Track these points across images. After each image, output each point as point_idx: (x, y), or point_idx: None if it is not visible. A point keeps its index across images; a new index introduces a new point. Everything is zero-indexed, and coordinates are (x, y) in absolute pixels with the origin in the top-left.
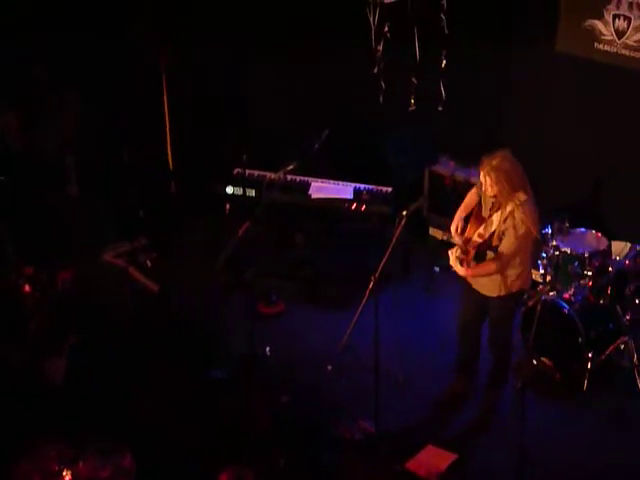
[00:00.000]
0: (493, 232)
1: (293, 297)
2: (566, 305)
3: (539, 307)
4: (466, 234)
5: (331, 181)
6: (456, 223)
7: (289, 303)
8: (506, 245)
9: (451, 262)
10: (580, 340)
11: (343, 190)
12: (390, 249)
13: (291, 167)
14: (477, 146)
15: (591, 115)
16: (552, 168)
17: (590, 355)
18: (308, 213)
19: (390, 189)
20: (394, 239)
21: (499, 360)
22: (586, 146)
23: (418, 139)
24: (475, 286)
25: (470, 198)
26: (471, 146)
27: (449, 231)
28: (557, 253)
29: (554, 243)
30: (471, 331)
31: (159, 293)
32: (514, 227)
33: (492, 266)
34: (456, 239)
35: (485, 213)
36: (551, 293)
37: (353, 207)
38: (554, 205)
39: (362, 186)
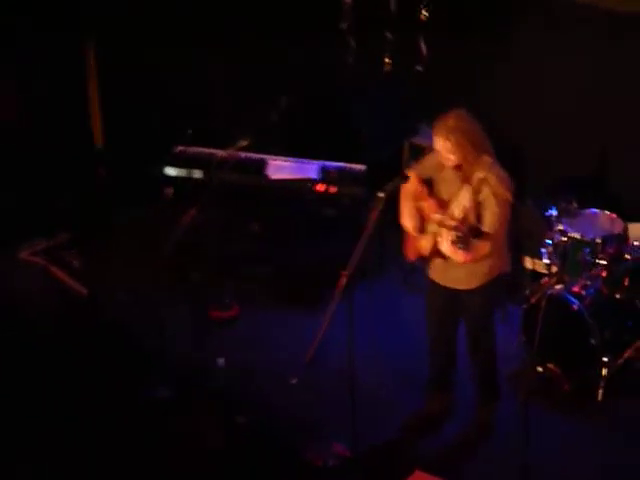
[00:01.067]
0: (466, 209)
1: (250, 298)
2: (576, 300)
3: (544, 304)
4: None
5: (293, 159)
6: (411, 214)
7: (245, 305)
8: (491, 218)
9: (444, 250)
10: (593, 342)
11: (307, 169)
12: (365, 238)
13: (245, 143)
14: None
15: (601, 76)
16: (555, 139)
17: (605, 359)
18: (266, 197)
19: (363, 167)
20: (369, 226)
21: (486, 370)
22: (596, 113)
23: (395, 106)
24: (444, 282)
25: (409, 187)
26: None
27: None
28: (564, 239)
29: (560, 227)
30: (445, 338)
31: (88, 297)
32: (494, 195)
33: (486, 246)
34: (446, 221)
35: (445, 193)
36: (558, 286)
37: (319, 189)
38: (559, 181)
39: (330, 164)
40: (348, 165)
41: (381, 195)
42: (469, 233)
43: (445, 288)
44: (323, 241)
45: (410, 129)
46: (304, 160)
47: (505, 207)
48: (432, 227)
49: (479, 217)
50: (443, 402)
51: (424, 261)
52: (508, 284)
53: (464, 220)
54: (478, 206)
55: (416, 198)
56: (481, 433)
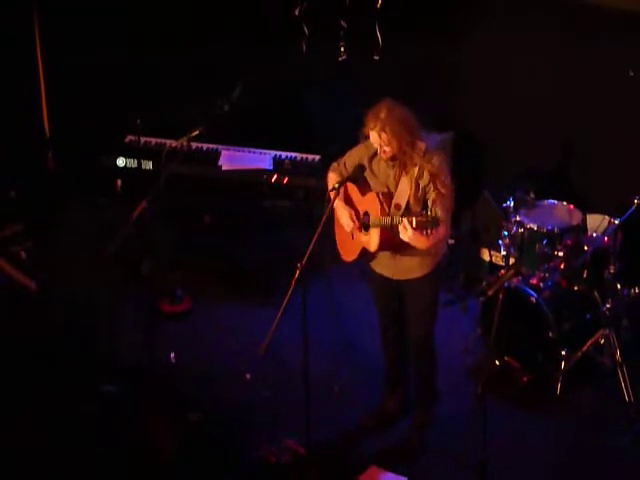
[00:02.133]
0: (409, 198)
1: (202, 292)
2: (533, 293)
3: (501, 296)
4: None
5: (245, 149)
6: (348, 213)
7: (197, 299)
8: (439, 202)
9: (406, 236)
10: (551, 335)
11: (260, 159)
12: (320, 229)
13: (196, 133)
14: (425, 101)
15: (560, 66)
16: (513, 129)
17: (564, 352)
18: (218, 188)
19: (317, 157)
20: (324, 217)
21: (428, 369)
22: (555, 104)
23: (351, 95)
24: (395, 274)
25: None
26: (417, 100)
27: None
28: (521, 230)
29: (517, 218)
30: (398, 331)
31: (36, 290)
32: (437, 178)
33: (442, 229)
34: (384, 218)
35: (380, 186)
36: (515, 279)
37: (273, 180)
38: (516, 172)
39: (283, 154)
40: (302, 155)
41: (336, 186)
42: (432, 215)
43: (393, 281)
44: (277, 233)
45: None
46: (257, 150)
47: (449, 189)
48: (376, 221)
49: (422, 203)
50: (399, 398)
51: (367, 258)
52: (466, 277)
53: (408, 209)
54: (421, 193)
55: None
56: (420, 436)
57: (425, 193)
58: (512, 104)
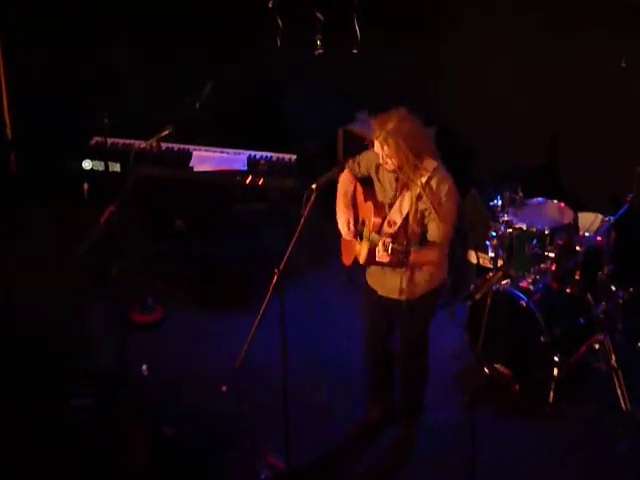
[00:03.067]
0: (407, 217)
1: (174, 300)
2: (524, 296)
3: (489, 300)
4: (370, 226)
5: (218, 149)
6: (346, 218)
7: (170, 308)
8: (437, 229)
9: (381, 257)
10: (543, 340)
11: (234, 160)
12: (298, 233)
13: (166, 133)
14: (403, 98)
15: (549, 61)
16: (499, 123)
17: (556, 358)
18: (190, 191)
19: (294, 157)
20: (302, 221)
21: (415, 387)
22: (543, 99)
23: (328, 91)
24: (382, 290)
25: (344, 184)
26: (396, 98)
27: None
28: (510, 230)
29: (505, 218)
30: (380, 343)
31: None
32: (439, 201)
33: (432, 254)
34: (385, 228)
35: (384, 197)
36: (504, 282)
37: (247, 181)
38: (503, 170)
39: (258, 154)
40: (278, 155)
41: (314, 187)
42: (408, 245)
43: (382, 298)
44: (253, 237)
45: (345, 116)
46: (231, 150)
47: (451, 216)
48: (367, 233)
49: (421, 225)
50: (383, 409)
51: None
52: (453, 280)
53: (404, 228)
54: (420, 214)
55: (348, 198)
56: (403, 451)
57: (424, 216)
58: (499, 98)
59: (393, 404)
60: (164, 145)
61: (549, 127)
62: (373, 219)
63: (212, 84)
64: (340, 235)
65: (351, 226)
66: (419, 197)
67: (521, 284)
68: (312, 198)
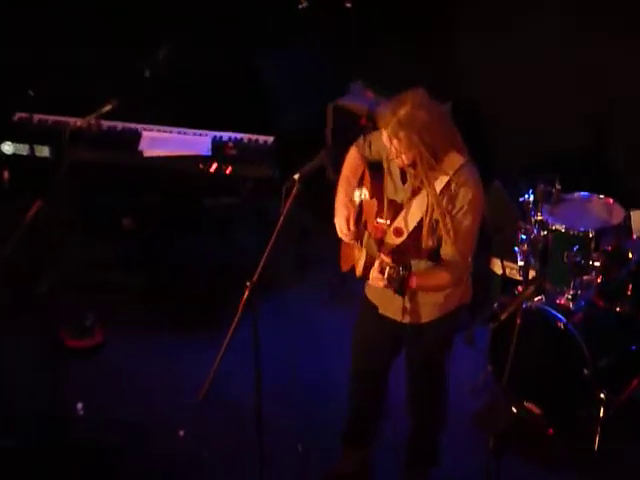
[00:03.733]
0: (419, 225)
1: (120, 319)
2: (562, 316)
3: (518, 321)
4: (371, 231)
5: (175, 129)
6: (346, 214)
7: (113, 329)
8: (458, 241)
9: (373, 280)
10: (585, 372)
11: (195, 143)
12: (275, 236)
13: (109, 108)
14: (409, 66)
15: (592, 22)
16: (533, 96)
17: (603, 395)
18: (140, 182)
19: (271, 138)
20: (281, 220)
21: (430, 430)
22: (585, 69)
23: (315, 57)
24: (385, 310)
25: (350, 167)
26: (400, 66)
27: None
28: (544, 233)
29: (539, 217)
30: (375, 379)
31: None
32: (461, 209)
33: (443, 279)
34: (369, 245)
35: (394, 194)
36: (537, 298)
37: (212, 169)
38: (536, 156)
39: (226, 135)
40: (251, 136)
41: (296, 177)
42: (404, 271)
43: (385, 319)
44: (219, 241)
45: (336, 88)
46: (191, 130)
47: (473, 231)
48: (366, 239)
49: (434, 236)
50: (358, 462)
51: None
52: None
53: (414, 241)
54: (436, 224)
55: (353, 187)
56: None
57: (440, 226)
58: (531, 65)
59: (369, 459)
60: (106, 123)
61: (596, 101)
62: (376, 222)
63: (167, 49)
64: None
65: (351, 225)
66: (439, 201)
67: (558, 301)
68: (294, 191)
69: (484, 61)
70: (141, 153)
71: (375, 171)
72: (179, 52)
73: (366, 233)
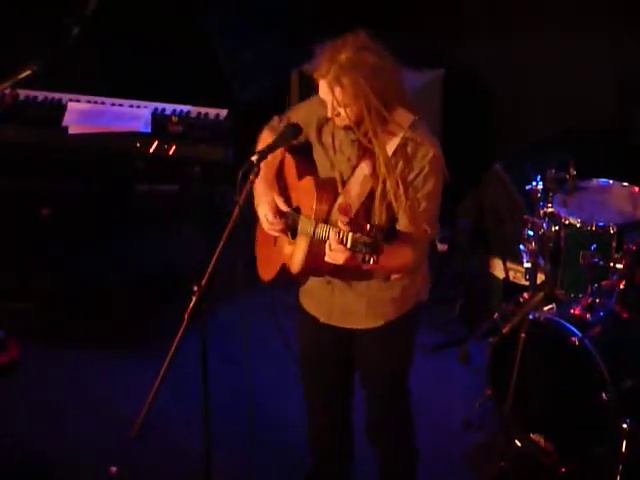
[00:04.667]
0: (369, 197)
1: (37, 332)
2: (576, 329)
3: (523, 335)
4: (309, 213)
5: (107, 99)
6: (269, 200)
7: (29, 344)
8: (419, 210)
9: (333, 258)
10: (604, 397)
11: (131, 116)
12: (229, 231)
13: (27, 74)
14: (392, 27)
15: None
16: (540, 62)
17: (625, 425)
18: (63, 164)
19: (224, 112)
20: (236, 211)
21: (404, 449)
22: (602, 28)
23: (277, 14)
24: (329, 318)
25: (269, 160)
26: (381, 21)
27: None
28: (556, 229)
29: (550, 209)
30: (336, 402)
31: None
32: (421, 170)
33: (406, 254)
34: (340, 214)
35: (330, 169)
36: (547, 307)
37: (152, 149)
38: (546, 135)
39: (169, 107)
40: (199, 109)
41: (254, 159)
42: (377, 234)
43: (332, 328)
44: (158, 235)
45: (301, 50)
46: (126, 101)
47: (435, 197)
48: (305, 225)
49: (389, 209)
50: None
51: (290, 280)
52: (466, 304)
53: (365, 215)
54: (393, 194)
55: (272, 175)
56: None
57: (395, 199)
58: (540, 30)
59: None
60: (23, 93)
61: (616, 69)
62: (315, 203)
63: (96, 2)
64: (256, 236)
65: (281, 205)
66: (391, 166)
67: (573, 311)
68: (252, 176)
69: (486, 18)
70: (65, 129)
71: (298, 152)
72: (113, 4)
73: (302, 218)
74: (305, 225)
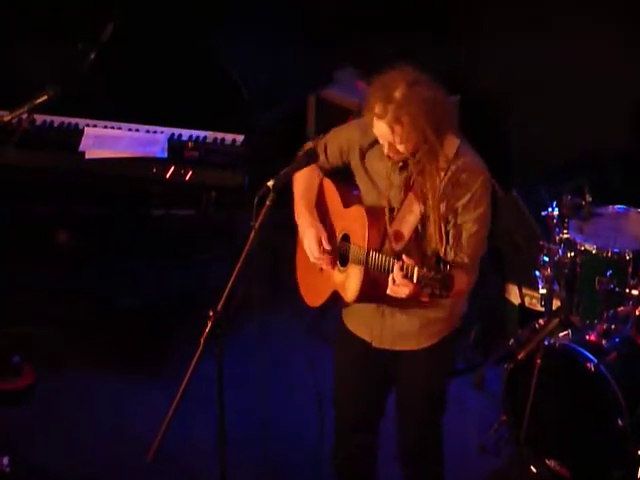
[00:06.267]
0: (417, 227)
1: (54, 357)
2: (592, 356)
3: (539, 361)
4: (360, 243)
5: (124, 124)
6: (315, 231)
7: (45, 369)
8: (469, 240)
9: (397, 292)
10: (620, 423)
11: (148, 142)
12: (245, 255)
13: (44, 99)
14: (406, 50)
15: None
16: (558, 89)
17: None
18: (80, 189)
19: (241, 137)
20: (252, 236)
21: (433, 471)
22: (622, 54)
23: (295, 39)
24: (370, 335)
25: (305, 180)
26: (402, 45)
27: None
28: (572, 255)
29: (565, 235)
30: (365, 426)
31: None
32: (472, 196)
33: (463, 282)
34: (371, 254)
35: (377, 197)
36: (563, 333)
37: (169, 175)
38: (562, 161)
39: (185, 133)
40: (216, 135)
41: (271, 185)
42: (445, 269)
43: (376, 350)
44: (174, 259)
45: (320, 75)
46: (143, 127)
47: (486, 221)
48: (358, 254)
49: (441, 236)
50: None
51: (341, 304)
52: (482, 330)
53: (417, 243)
54: (444, 220)
55: (313, 202)
56: None
57: (447, 218)
58: (556, 50)
59: None
60: (40, 118)
61: (634, 98)
62: (367, 232)
63: (113, 26)
64: (298, 261)
65: (325, 244)
66: (449, 188)
67: (589, 337)
68: (268, 202)
69: (503, 44)
70: (82, 154)
71: (340, 179)
72: (129, 30)
73: (352, 246)
74: (357, 254)
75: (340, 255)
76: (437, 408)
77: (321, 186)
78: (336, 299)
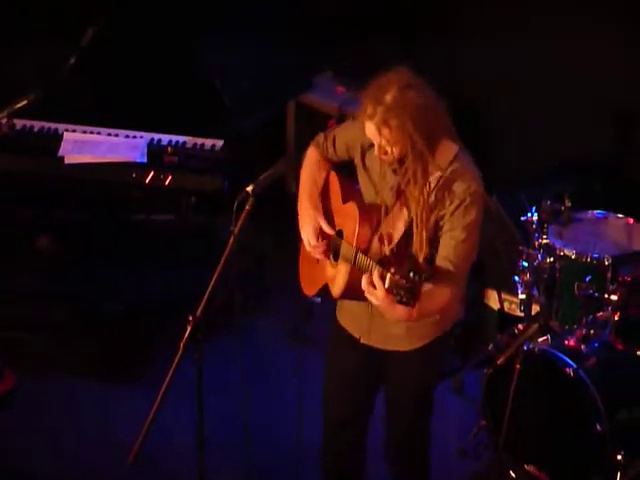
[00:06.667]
0: (407, 230)
1: (34, 362)
2: (571, 361)
3: (518, 366)
4: (351, 240)
5: (103, 129)
6: (314, 223)
7: (25, 373)
8: (457, 248)
9: (370, 293)
10: (599, 428)
11: (127, 147)
12: (224, 260)
13: (23, 103)
14: (390, 55)
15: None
16: (539, 95)
17: (620, 457)
18: (59, 194)
19: (220, 142)
20: (231, 241)
21: (418, 467)
22: (601, 59)
23: (274, 43)
24: (368, 339)
25: (311, 169)
26: (380, 56)
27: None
28: (551, 260)
29: (545, 241)
30: (354, 428)
31: None
32: (461, 203)
33: (446, 292)
34: (357, 254)
35: (374, 195)
36: (542, 338)
37: (148, 180)
38: (541, 166)
39: (165, 138)
40: (195, 140)
41: (250, 189)
42: (419, 278)
43: (367, 347)
44: (154, 264)
45: (299, 80)
46: (123, 132)
47: (476, 230)
48: (347, 251)
49: (428, 241)
50: None
51: (331, 297)
52: (461, 336)
53: (404, 249)
54: (434, 226)
55: (317, 193)
56: None
57: (437, 225)
58: (536, 55)
59: None
60: (19, 122)
61: (614, 100)
62: (357, 230)
63: (93, 31)
64: (300, 252)
65: (313, 237)
66: (440, 193)
67: (567, 342)
68: (248, 207)
69: (487, 50)
70: (62, 159)
71: (344, 173)
72: (110, 35)
73: (344, 243)
74: (346, 251)
75: (334, 250)
76: (425, 408)
77: (327, 179)
78: (327, 292)
